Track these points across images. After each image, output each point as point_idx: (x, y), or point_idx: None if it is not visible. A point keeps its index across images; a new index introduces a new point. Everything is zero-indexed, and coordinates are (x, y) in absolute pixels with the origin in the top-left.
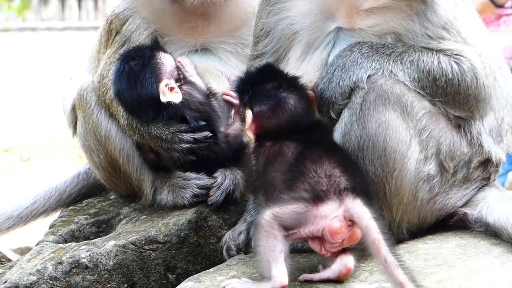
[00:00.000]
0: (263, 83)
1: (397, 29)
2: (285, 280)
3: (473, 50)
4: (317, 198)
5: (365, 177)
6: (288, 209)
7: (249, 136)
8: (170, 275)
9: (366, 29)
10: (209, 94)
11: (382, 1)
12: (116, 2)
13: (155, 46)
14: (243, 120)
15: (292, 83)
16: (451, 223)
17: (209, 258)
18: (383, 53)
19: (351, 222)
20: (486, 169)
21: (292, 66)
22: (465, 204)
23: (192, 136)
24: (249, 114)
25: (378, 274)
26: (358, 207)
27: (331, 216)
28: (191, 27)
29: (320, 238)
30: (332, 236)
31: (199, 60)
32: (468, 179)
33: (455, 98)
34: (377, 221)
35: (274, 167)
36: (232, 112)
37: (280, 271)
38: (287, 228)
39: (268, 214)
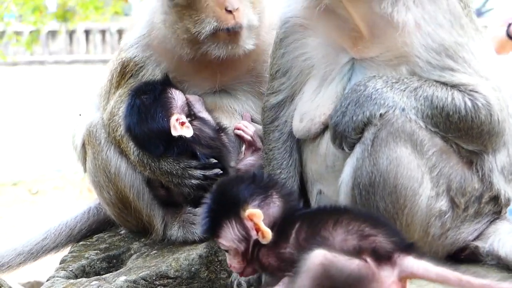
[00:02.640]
0: (237, 186)
1: (406, 54)
2: None
3: (487, 84)
4: (377, 260)
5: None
6: (343, 261)
7: (267, 231)
8: None
9: (376, 57)
10: (219, 129)
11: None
12: (132, 49)
13: (166, 81)
14: (246, 232)
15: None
16: (463, 256)
17: None
18: (398, 88)
19: (404, 280)
20: (497, 203)
21: (306, 99)
22: (477, 237)
23: (202, 173)
24: (253, 212)
25: None
26: (416, 264)
27: (387, 282)
28: (210, 73)
29: None
30: None
31: (214, 99)
32: (479, 213)
33: (468, 133)
34: (440, 264)
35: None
36: (243, 147)
37: None
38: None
39: (319, 255)
